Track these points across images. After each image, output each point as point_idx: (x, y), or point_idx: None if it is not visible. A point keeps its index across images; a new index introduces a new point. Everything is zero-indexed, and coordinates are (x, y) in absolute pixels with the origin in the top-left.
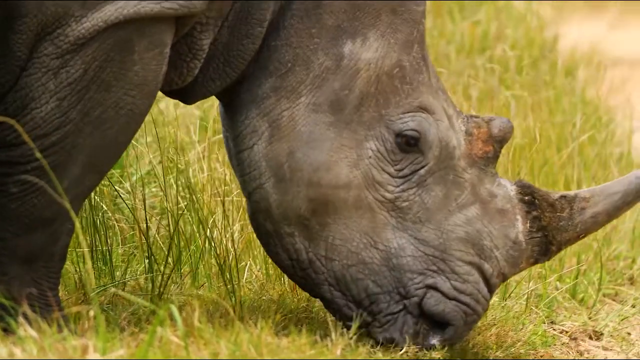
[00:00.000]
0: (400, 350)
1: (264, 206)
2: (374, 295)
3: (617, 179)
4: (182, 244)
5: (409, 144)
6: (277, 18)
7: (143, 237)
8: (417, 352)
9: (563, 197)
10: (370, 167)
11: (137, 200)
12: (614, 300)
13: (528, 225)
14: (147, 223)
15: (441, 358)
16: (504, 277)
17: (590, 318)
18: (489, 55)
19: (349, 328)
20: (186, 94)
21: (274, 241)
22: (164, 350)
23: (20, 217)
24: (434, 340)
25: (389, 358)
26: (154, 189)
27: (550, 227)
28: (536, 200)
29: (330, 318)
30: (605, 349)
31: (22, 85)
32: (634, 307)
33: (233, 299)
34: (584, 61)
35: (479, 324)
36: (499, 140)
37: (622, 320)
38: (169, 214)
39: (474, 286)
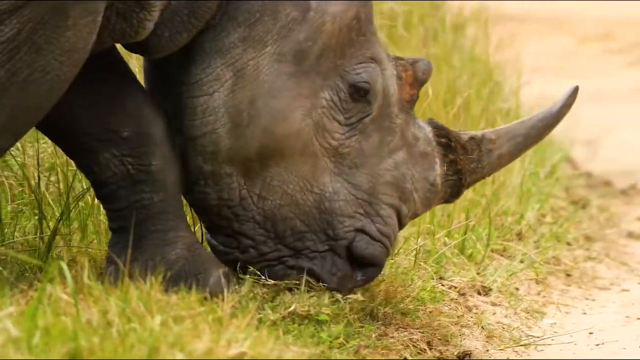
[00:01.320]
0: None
1: (210, 149)
2: (299, 233)
3: (520, 121)
4: (71, 200)
5: (360, 94)
6: None
7: (32, 194)
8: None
9: (472, 138)
10: (322, 116)
11: (26, 157)
12: (502, 255)
13: (445, 168)
14: (39, 179)
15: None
16: (415, 217)
17: (478, 273)
18: (377, 11)
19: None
20: (150, 48)
21: (206, 182)
22: (53, 307)
23: None
24: (357, 282)
25: (278, 314)
26: (43, 145)
27: (464, 170)
28: (452, 143)
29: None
30: (493, 304)
31: None
32: (522, 262)
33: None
34: (472, 18)
35: None
36: (422, 83)
37: (510, 275)
38: (59, 170)
39: (393, 228)
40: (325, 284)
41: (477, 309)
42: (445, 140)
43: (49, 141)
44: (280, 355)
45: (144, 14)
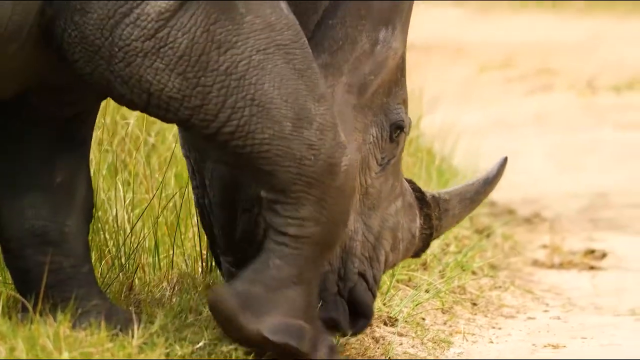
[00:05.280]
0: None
1: None
2: (324, 273)
3: (466, 184)
4: None
5: (396, 135)
6: None
7: None
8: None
9: (433, 197)
10: (367, 153)
11: None
12: (407, 285)
13: (421, 221)
14: None
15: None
16: (392, 267)
17: (384, 304)
18: None
19: None
20: None
21: (260, 210)
22: None
23: (277, 167)
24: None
25: (186, 351)
26: None
27: (434, 225)
28: (425, 198)
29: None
30: (400, 334)
31: (127, 76)
32: (427, 292)
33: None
34: None
35: None
36: (407, 135)
37: (416, 305)
38: None
39: (380, 277)
40: (343, 329)
41: (383, 339)
42: (419, 194)
43: None
44: None
45: None
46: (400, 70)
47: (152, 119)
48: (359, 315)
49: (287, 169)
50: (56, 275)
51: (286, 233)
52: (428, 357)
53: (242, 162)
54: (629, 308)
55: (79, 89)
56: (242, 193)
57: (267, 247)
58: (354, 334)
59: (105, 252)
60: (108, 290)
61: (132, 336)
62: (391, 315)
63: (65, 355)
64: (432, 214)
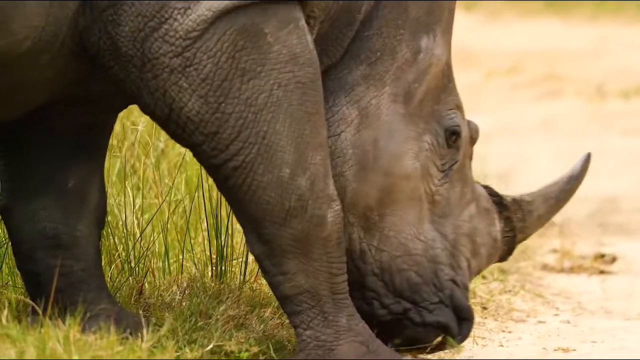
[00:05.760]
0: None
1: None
2: (415, 285)
3: (550, 184)
4: None
5: (453, 140)
6: (371, 9)
7: None
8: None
9: (514, 200)
10: (426, 160)
11: None
12: None
13: (502, 224)
14: None
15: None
16: (478, 273)
17: None
18: None
19: (380, 320)
20: None
21: None
22: None
23: (266, 216)
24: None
25: (195, 354)
26: None
27: (516, 227)
28: (503, 201)
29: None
30: None
31: (154, 88)
32: None
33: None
34: None
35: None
36: (474, 142)
37: None
38: None
39: (468, 283)
40: (453, 335)
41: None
42: (497, 198)
43: None
44: None
45: None
46: (446, 76)
47: None
48: (461, 320)
49: (274, 219)
50: (66, 279)
51: (286, 296)
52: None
53: (235, 203)
54: (639, 312)
55: (103, 100)
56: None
57: (291, 323)
58: (462, 339)
59: (115, 256)
60: (118, 295)
61: (142, 340)
62: None
63: (76, 357)
64: (513, 217)
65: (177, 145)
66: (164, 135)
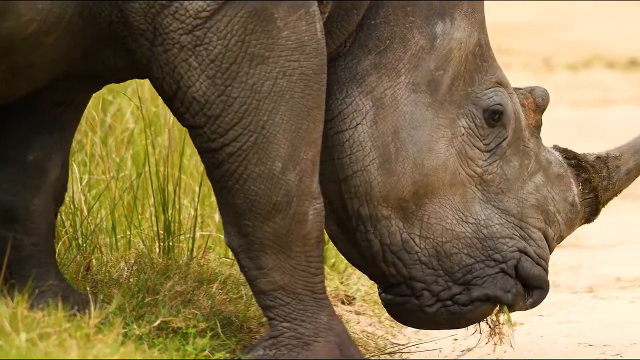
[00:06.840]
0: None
1: (363, 190)
2: (467, 266)
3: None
4: None
5: (495, 118)
6: None
7: None
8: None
9: (598, 157)
10: (463, 144)
11: None
12: None
13: (580, 187)
14: None
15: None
16: (561, 240)
17: (342, 283)
18: None
19: (429, 313)
20: None
21: (366, 227)
22: None
23: (251, 208)
24: (527, 305)
25: (143, 330)
26: None
27: (599, 187)
28: (582, 163)
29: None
30: (357, 313)
31: (164, 62)
32: None
33: None
34: None
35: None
36: (542, 109)
37: (373, 284)
38: None
39: (545, 251)
40: (502, 302)
41: (341, 318)
42: (575, 161)
43: None
44: None
45: None
46: (478, 56)
47: (109, 99)
48: (533, 289)
49: (259, 212)
50: (16, 253)
51: (261, 291)
52: (386, 335)
53: (222, 191)
54: (586, 285)
55: (110, 77)
56: (348, 211)
57: (266, 316)
58: (533, 305)
59: (62, 232)
60: (65, 271)
61: (90, 316)
62: (349, 294)
63: (23, 336)
64: (593, 177)
65: (125, 121)
66: (111, 110)
